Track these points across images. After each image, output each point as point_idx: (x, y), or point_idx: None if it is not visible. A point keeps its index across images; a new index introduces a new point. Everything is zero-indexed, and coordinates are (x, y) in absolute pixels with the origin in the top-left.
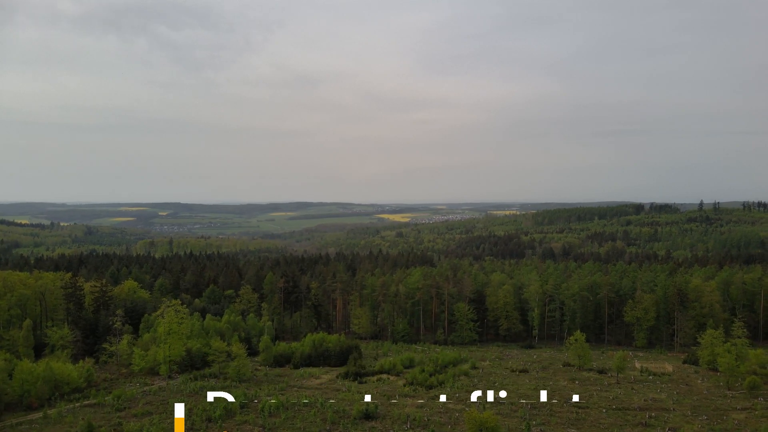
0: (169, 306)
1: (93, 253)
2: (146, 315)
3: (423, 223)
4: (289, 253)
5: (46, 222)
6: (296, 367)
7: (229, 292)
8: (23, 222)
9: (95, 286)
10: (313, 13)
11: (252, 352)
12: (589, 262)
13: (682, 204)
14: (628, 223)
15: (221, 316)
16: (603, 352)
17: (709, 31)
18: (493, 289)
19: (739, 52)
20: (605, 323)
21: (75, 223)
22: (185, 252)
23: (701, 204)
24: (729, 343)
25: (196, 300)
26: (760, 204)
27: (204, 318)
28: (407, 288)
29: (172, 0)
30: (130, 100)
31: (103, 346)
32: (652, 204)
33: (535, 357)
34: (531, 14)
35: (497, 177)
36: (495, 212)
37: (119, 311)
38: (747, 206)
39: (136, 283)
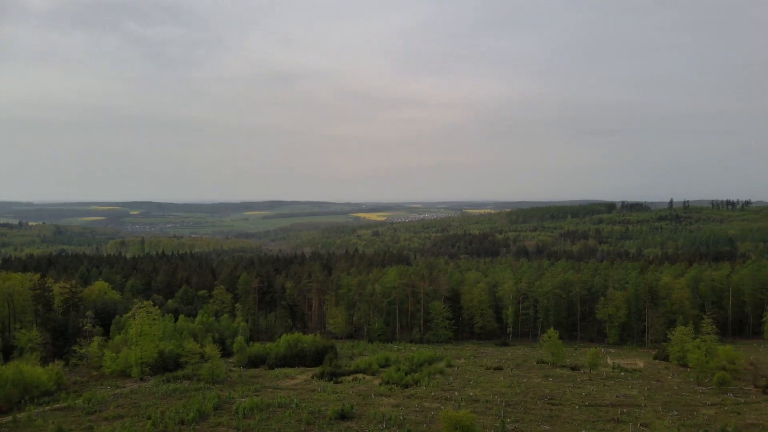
0: (140, 307)
1: (62, 253)
2: (117, 316)
3: (399, 222)
4: (263, 252)
5: (14, 222)
6: (271, 367)
7: (203, 292)
8: None
9: (65, 287)
10: (289, 11)
11: (226, 353)
12: (562, 260)
13: (653, 203)
14: (600, 221)
15: (194, 317)
16: (576, 349)
17: (690, 32)
18: (468, 288)
19: (716, 53)
20: (578, 320)
21: (44, 223)
22: (157, 252)
23: (671, 203)
24: (698, 340)
25: (169, 301)
26: (728, 203)
27: (177, 319)
28: (383, 287)
29: None
30: (100, 97)
31: (73, 348)
32: (623, 203)
33: (509, 354)
34: (511, 14)
35: (473, 176)
36: (470, 211)
37: (89, 313)
38: (715, 205)
39: (106, 284)
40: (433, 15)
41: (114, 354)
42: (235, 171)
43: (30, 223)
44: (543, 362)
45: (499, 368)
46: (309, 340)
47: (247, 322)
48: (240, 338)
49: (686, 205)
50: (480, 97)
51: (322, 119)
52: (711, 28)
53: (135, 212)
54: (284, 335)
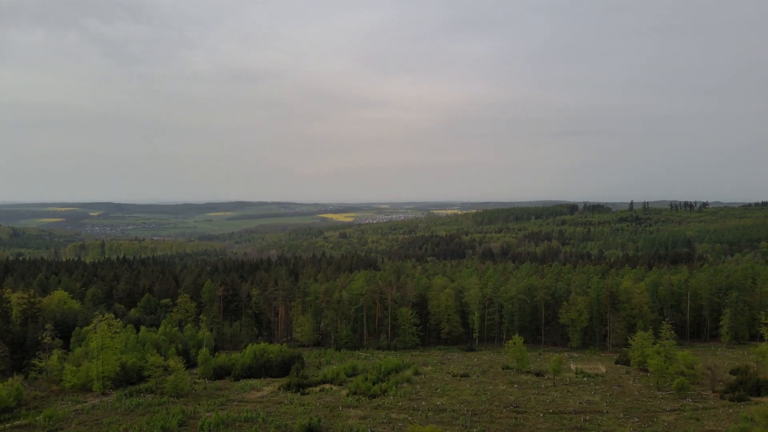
0: (101, 320)
1: (19, 257)
2: (78, 328)
3: (367, 223)
4: (228, 256)
5: None
6: (237, 379)
7: (166, 301)
8: None
9: (23, 298)
10: (252, 10)
11: (190, 365)
12: (526, 263)
13: (614, 204)
14: (563, 222)
15: (157, 327)
16: (540, 354)
17: (641, 37)
18: (435, 293)
19: (670, 56)
20: (542, 325)
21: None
22: (118, 257)
23: (632, 204)
24: (658, 345)
25: (131, 310)
26: (686, 204)
27: (139, 330)
28: (351, 294)
29: None
30: (59, 95)
31: (32, 361)
32: (585, 204)
33: (475, 360)
34: (476, 18)
35: (440, 177)
36: (437, 211)
37: (48, 325)
38: (674, 206)
39: (66, 293)
40: (397, 16)
41: (74, 367)
42: (199, 171)
43: None
44: (508, 368)
45: (465, 375)
46: (275, 350)
47: (211, 331)
48: (204, 350)
49: (646, 207)
50: (445, 98)
51: (287, 118)
52: (664, 34)
53: (95, 213)
54: (250, 345)
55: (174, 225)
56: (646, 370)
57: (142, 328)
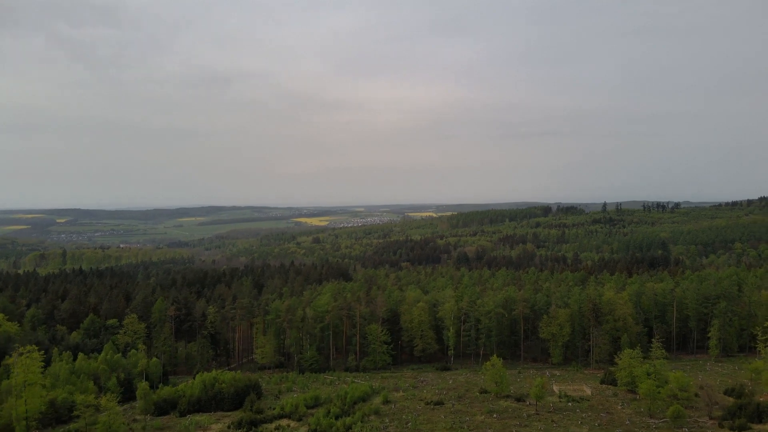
0: (21, 353)
1: None
2: (7, 356)
3: (341, 227)
4: (196, 263)
5: None
6: (183, 414)
7: (112, 321)
8: None
9: None
10: (224, 12)
11: (133, 397)
12: (502, 269)
13: (587, 205)
14: (538, 225)
15: (100, 352)
16: (520, 372)
17: (613, 39)
18: (408, 308)
19: (641, 57)
20: (521, 340)
21: None
22: (74, 268)
23: (605, 205)
24: (647, 365)
25: (72, 333)
26: (658, 205)
27: (76, 357)
28: (316, 311)
29: None
30: (25, 99)
31: None
32: (558, 205)
33: (451, 382)
34: (448, 21)
35: (415, 178)
36: (412, 214)
37: None
38: (647, 207)
39: (1, 314)
40: (374, 19)
41: (0, 405)
42: (170, 176)
43: None
44: (486, 392)
45: (440, 403)
46: (228, 378)
47: (161, 356)
48: (143, 383)
49: (619, 208)
50: (423, 101)
51: (261, 122)
52: (637, 36)
53: (62, 220)
54: (199, 375)
55: (144, 231)
56: (635, 392)
57: (80, 355)
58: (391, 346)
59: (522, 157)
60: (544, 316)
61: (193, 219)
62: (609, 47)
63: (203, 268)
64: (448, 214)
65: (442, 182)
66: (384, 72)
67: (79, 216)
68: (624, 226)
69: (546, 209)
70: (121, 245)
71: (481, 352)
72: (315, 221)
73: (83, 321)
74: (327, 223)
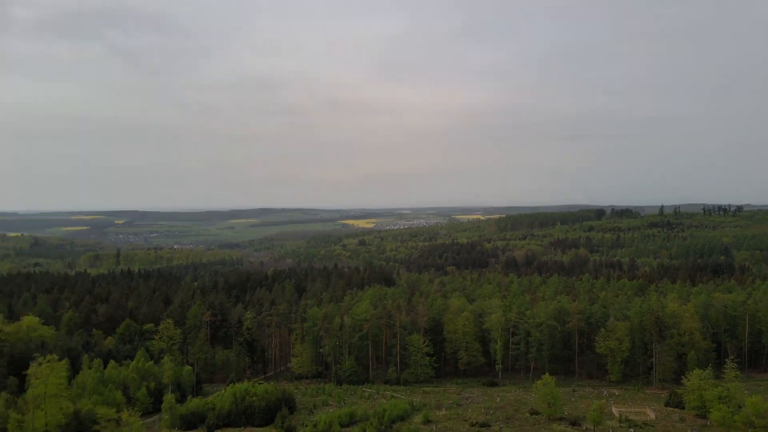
0: (41, 363)
1: (37, 266)
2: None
3: (387, 230)
4: (244, 265)
5: None
6: (210, 429)
7: (149, 326)
8: None
9: None
10: (270, 20)
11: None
12: (554, 276)
13: (642, 208)
14: (591, 228)
15: (133, 359)
16: (574, 390)
17: (675, 37)
18: (452, 317)
19: (703, 58)
20: (575, 354)
21: (22, 234)
22: (125, 269)
23: (662, 208)
24: (720, 387)
25: (108, 338)
26: (719, 208)
27: (107, 365)
28: (354, 319)
29: (126, 6)
30: (84, 107)
31: None
32: (613, 208)
33: (498, 400)
34: (479, 24)
35: (462, 181)
36: (459, 217)
37: None
38: (707, 210)
39: (36, 318)
40: (414, 23)
41: (20, 416)
42: (224, 179)
43: (10, 234)
44: (537, 413)
45: (486, 425)
46: (260, 391)
47: (195, 364)
48: (168, 396)
49: (677, 211)
50: (464, 103)
51: (308, 125)
52: (687, 35)
53: (119, 221)
54: (230, 387)
55: (197, 233)
56: (705, 417)
57: (111, 363)
58: (434, 358)
59: (570, 159)
60: (602, 330)
61: (245, 221)
62: (652, 48)
63: (249, 270)
64: (496, 216)
65: (489, 185)
66: (421, 75)
67: (136, 218)
68: (683, 230)
69: (599, 212)
70: (175, 246)
71: (532, 367)
72: (361, 223)
73: (120, 325)
74: (373, 225)
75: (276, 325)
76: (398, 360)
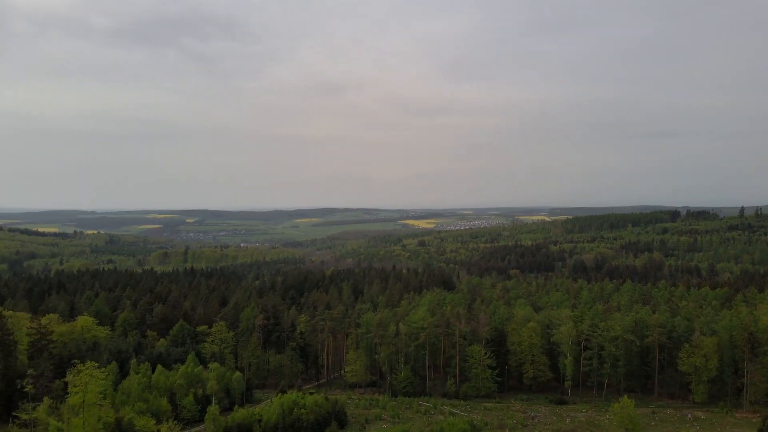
0: (81, 370)
1: (110, 263)
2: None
3: (447, 230)
4: (306, 264)
5: (71, 230)
6: None
7: (202, 328)
8: (47, 230)
9: (31, 327)
10: (337, 23)
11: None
12: (627, 282)
13: (719, 209)
14: (665, 231)
15: (183, 363)
16: (653, 412)
17: (738, 31)
18: (516, 327)
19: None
20: (655, 371)
21: (99, 232)
22: (188, 267)
23: (742, 210)
24: None
25: (160, 341)
26: None
27: (155, 368)
28: (410, 327)
29: (200, 13)
30: (160, 110)
31: (15, 414)
32: (688, 210)
33: (568, 421)
34: (554, 19)
35: (525, 180)
36: (522, 217)
37: (31, 370)
38: None
39: (91, 319)
40: (480, 21)
41: (60, 424)
42: (289, 179)
43: (87, 232)
44: None
45: None
46: (310, 402)
47: (245, 369)
48: (212, 407)
49: (759, 213)
50: (526, 101)
51: (372, 126)
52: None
53: (191, 220)
54: (277, 398)
55: (263, 231)
56: None
57: (158, 368)
58: (496, 371)
59: (641, 158)
60: (686, 345)
61: (308, 220)
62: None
63: (310, 269)
64: (563, 218)
65: (553, 184)
66: (490, 74)
67: (206, 216)
68: (765, 233)
69: (674, 214)
70: (241, 244)
71: (605, 383)
72: (422, 223)
73: (174, 326)
74: (434, 225)
75: (329, 331)
76: (457, 372)
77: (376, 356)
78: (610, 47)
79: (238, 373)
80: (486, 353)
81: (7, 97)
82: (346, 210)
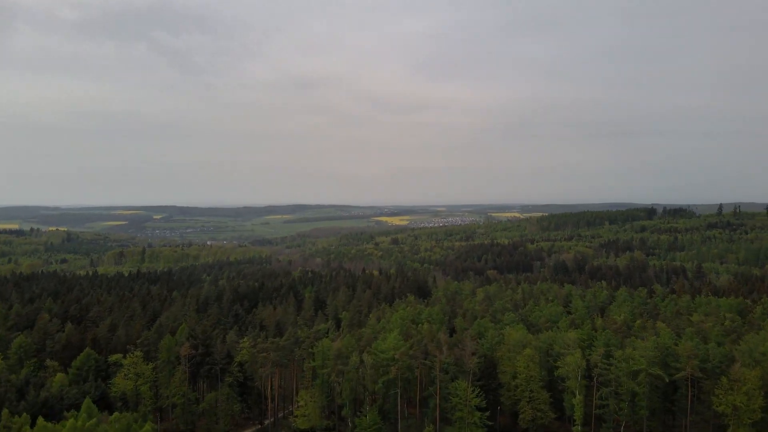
0: None
1: (63, 262)
2: None
3: (421, 228)
4: (273, 264)
5: (37, 227)
6: None
7: (116, 357)
8: (5, 227)
9: None
10: (311, 19)
11: None
12: (622, 289)
13: (693, 206)
14: (643, 229)
15: (78, 410)
16: None
17: (702, 34)
18: (509, 353)
19: (733, 53)
20: (686, 412)
21: (57, 229)
22: (131, 272)
23: (720, 208)
24: None
25: (58, 375)
26: None
27: (35, 421)
28: (377, 358)
29: (171, 6)
30: (129, 105)
31: None
32: (665, 207)
33: None
34: (530, 20)
35: (497, 178)
36: (496, 214)
37: None
38: None
39: None
40: (453, 20)
41: None
42: (260, 176)
43: (49, 229)
44: None
45: None
46: None
47: (165, 411)
48: None
49: (737, 211)
50: (500, 100)
51: (346, 124)
52: (717, 33)
53: (158, 216)
54: None
55: (232, 228)
56: None
57: (39, 422)
58: (487, 412)
59: (611, 156)
60: (723, 379)
61: (280, 217)
62: (697, 44)
63: (275, 270)
64: (538, 215)
65: (525, 182)
66: (463, 73)
67: (174, 213)
68: (746, 232)
69: (650, 211)
70: (208, 242)
71: (623, 425)
72: (395, 220)
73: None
74: (407, 222)
75: (273, 364)
76: (437, 415)
77: (334, 395)
78: (585, 48)
79: (148, 425)
80: (473, 390)
81: None
82: (318, 207)
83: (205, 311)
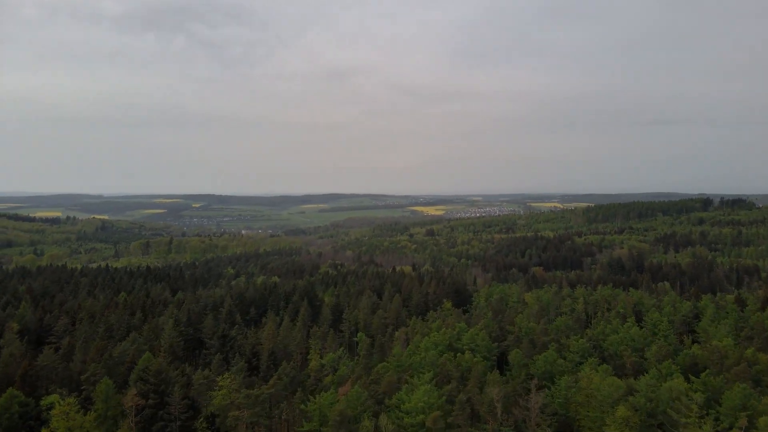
0: None
1: (92, 251)
2: None
3: (457, 218)
4: (303, 255)
5: (76, 215)
6: None
7: (52, 399)
8: (49, 215)
9: None
10: (344, 10)
11: None
12: (707, 296)
13: (755, 196)
14: (701, 221)
15: None
16: None
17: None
18: (594, 412)
19: None
20: None
21: (93, 217)
22: (146, 266)
23: None
24: None
25: None
26: None
27: None
28: (401, 423)
29: (208, 0)
30: (168, 96)
31: None
32: (722, 198)
33: None
34: (565, 7)
35: (535, 168)
36: (535, 204)
37: None
38: None
39: None
40: (492, 8)
41: None
42: (297, 165)
43: (89, 217)
44: None
45: None
46: None
47: None
48: None
49: None
50: (539, 89)
51: (380, 113)
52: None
53: (196, 205)
54: None
55: (268, 217)
56: None
57: None
58: None
59: (648, 145)
60: None
61: (315, 206)
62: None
63: (303, 263)
64: (581, 205)
65: (564, 171)
66: (497, 61)
67: (212, 201)
68: None
69: (706, 201)
70: (243, 231)
71: None
72: (431, 210)
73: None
74: (443, 212)
75: (248, 424)
76: None
77: None
78: (622, 35)
79: None
80: None
81: (16, 83)
82: (352, 196)
83: (193, 323)
